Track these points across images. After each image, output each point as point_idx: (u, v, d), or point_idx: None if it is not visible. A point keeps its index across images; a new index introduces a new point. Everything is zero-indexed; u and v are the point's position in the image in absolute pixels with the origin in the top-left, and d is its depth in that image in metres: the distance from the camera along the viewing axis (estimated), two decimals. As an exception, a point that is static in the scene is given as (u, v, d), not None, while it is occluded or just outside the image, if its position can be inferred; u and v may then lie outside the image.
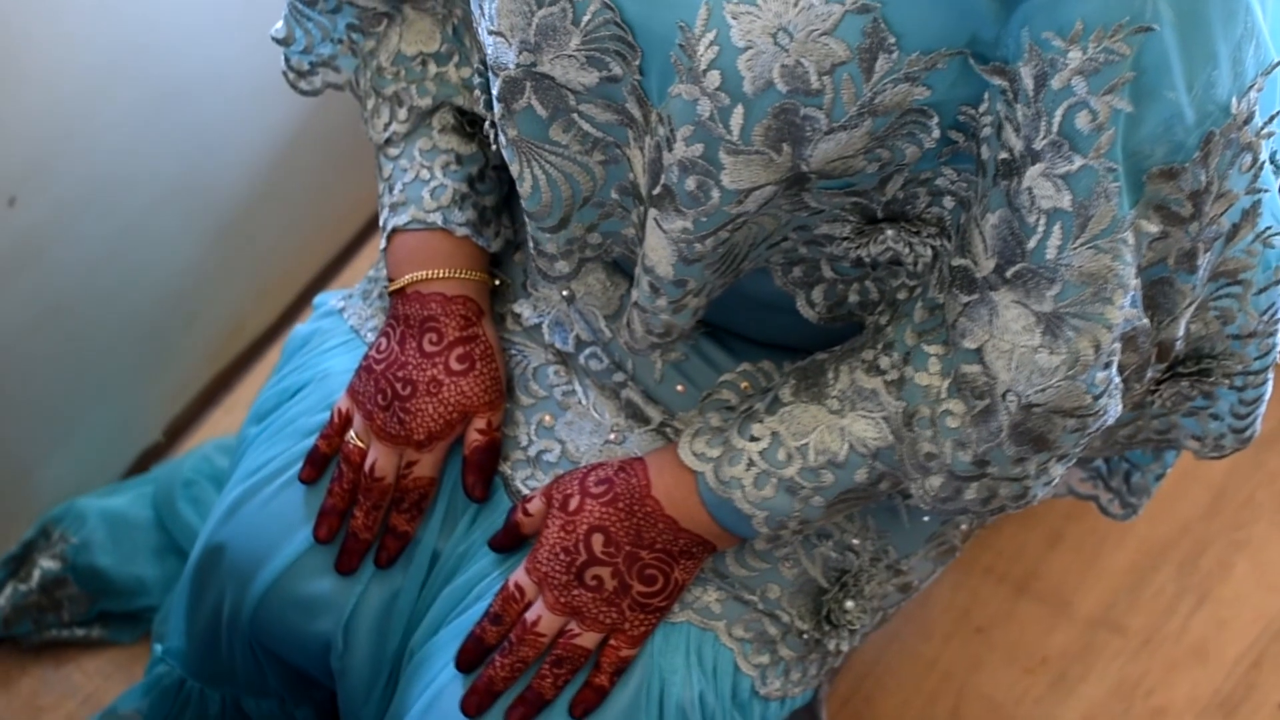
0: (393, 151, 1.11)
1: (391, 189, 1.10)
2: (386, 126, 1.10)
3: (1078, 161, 0.80)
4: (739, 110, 0.82)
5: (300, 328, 1.21)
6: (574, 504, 1.02)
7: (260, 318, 1.75)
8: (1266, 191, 0.86)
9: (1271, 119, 0.83)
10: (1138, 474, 1.17)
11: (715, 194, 0.86)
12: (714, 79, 0.81)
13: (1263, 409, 1.01)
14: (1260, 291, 0.91)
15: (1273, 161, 0.89)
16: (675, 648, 1.03)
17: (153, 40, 1.45)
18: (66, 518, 1.58)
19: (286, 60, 1.12)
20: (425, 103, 1.09)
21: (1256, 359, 0.96)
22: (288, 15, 1.10)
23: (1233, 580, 1.60)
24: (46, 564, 1.57)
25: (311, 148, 1.69)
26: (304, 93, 1.13)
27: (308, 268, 1.79)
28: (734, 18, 0.80)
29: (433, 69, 1.09)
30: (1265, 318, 0.93)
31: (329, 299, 1.21)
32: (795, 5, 0.79)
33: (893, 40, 0.79)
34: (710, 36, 0.81)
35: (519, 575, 1.03)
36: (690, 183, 0.86)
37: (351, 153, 1.67)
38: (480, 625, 1.03)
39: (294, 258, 1.77)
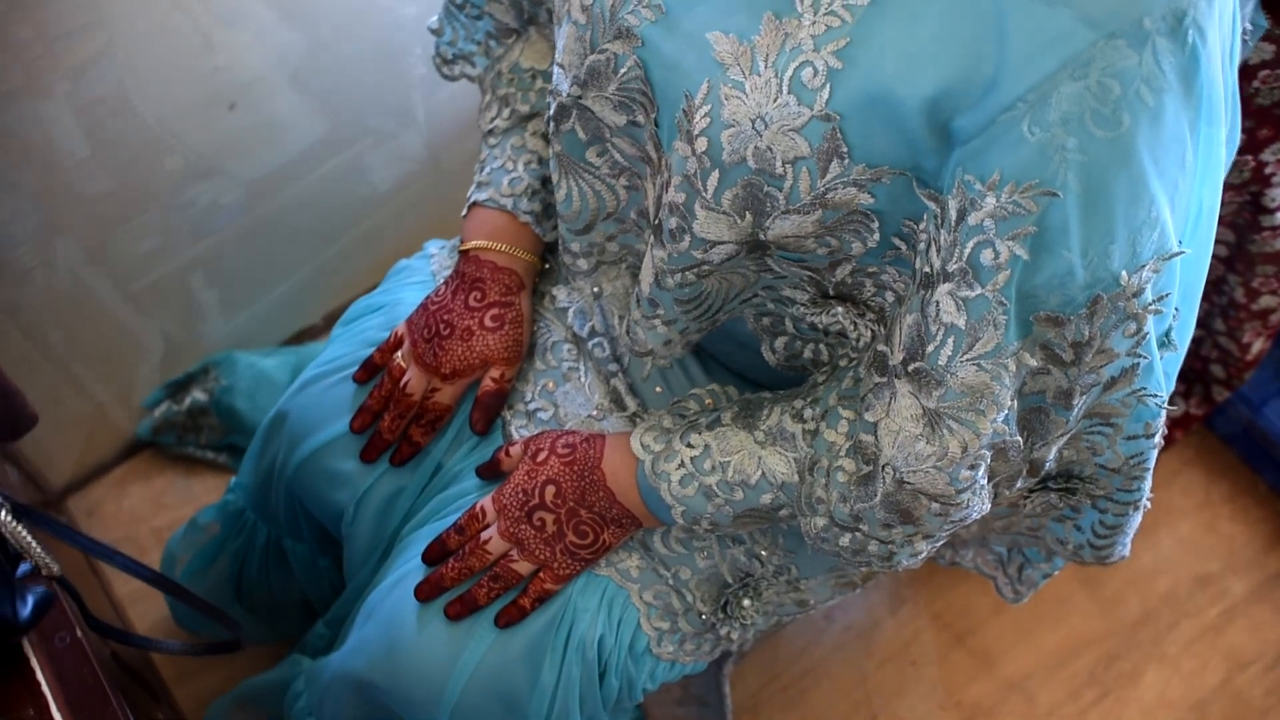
0: (491, 141, 1.13)
1: (482, 169, 1.12)
2: (492, 120, 1.12)
3: (977, 290, 0.78)
4: (715, 174, 0.82)
5: (403, 260, 1.24)
6: (541, 457, 1.03)
7: (427, 246, 1.78)
8: (1147, 359, 0.82)
9: (1161, 299, 0.80)
10: (1030, 568, 1.13)
11: (687, 238, 0.86)
12: (702, 144, 0.82)
13: (1125, 539, 0.97)
14: (1130, 438, 0.88)
15: (1167, 336, 0.85)
16: (592, 594, 1.03)
17: (375, 7, 1.48)
18: (224, 363, 1.65)
19: (436, 48, 1.15)
20: (525, 109, 1.11)
21: (1119, 490, 0.92)
22: (442, 13, 1.13)
23: (1139, 687, 1.54)
24: (198, 394, 1.64)
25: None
26: (446, 77, 1.16)
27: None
28: (726, 98, 0.80)
29: (538, 83, 1.10)
30: (1132, 461, 0.89)
31: (431, 245, 1.24)
32: (774, 100, 0.78)
33: (845, 149, 0.78)
34: (706, 109, 0.81)
35: (485, 500, 1.04)
36: (673, 222, 0.86)
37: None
38: (447, 531, 1.05)
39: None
